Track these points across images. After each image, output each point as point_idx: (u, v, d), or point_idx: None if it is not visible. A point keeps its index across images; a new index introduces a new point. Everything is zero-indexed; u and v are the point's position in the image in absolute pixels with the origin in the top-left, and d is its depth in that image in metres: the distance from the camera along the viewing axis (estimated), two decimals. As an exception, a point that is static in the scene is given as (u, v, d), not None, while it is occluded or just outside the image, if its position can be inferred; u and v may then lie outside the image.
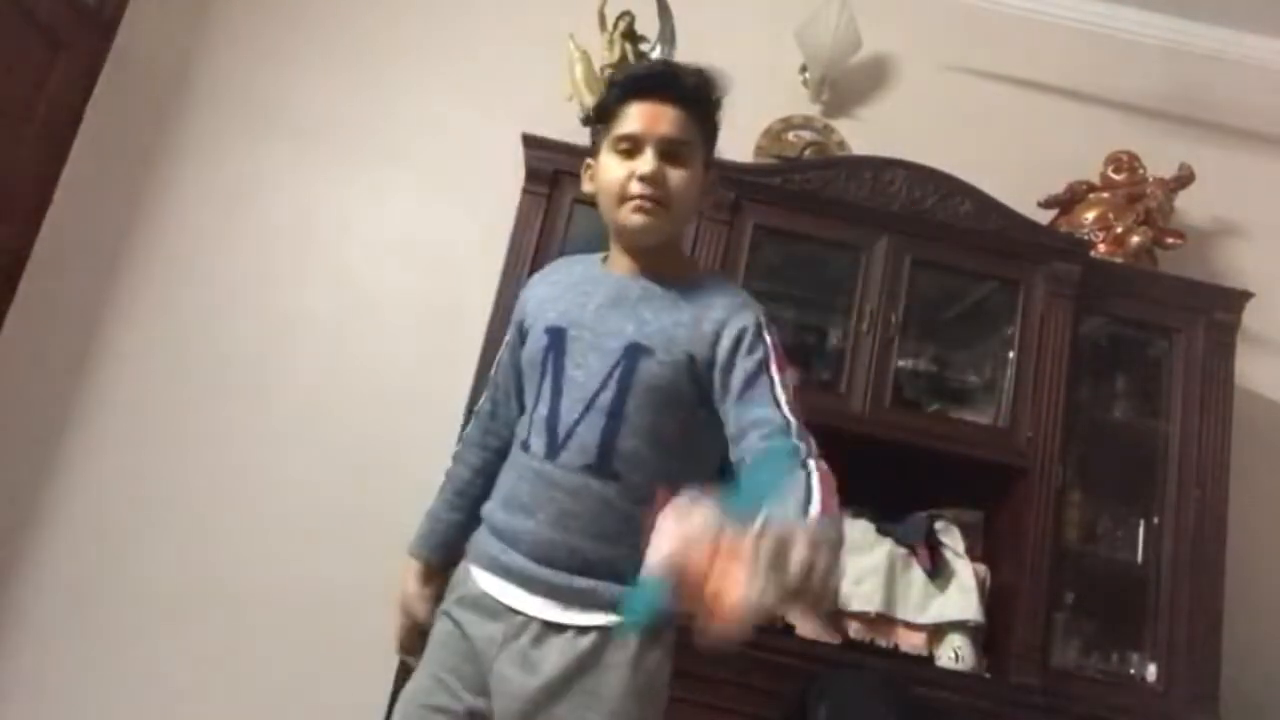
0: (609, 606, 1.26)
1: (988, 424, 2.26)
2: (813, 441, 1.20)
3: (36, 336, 2.54)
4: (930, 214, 2.28)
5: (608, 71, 2.56)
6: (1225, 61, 2.84)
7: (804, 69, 2.73)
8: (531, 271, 1.88)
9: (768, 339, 1.31)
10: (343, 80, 2.73)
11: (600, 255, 1.47)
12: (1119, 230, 2.48)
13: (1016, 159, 2.66)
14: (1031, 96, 2.80)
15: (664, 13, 2.60)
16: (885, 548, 2.13)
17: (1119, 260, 2.44)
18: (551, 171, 2.27)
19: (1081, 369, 2.29)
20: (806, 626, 2.08)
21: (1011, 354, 2.27)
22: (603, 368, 1.32)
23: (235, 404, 2.52)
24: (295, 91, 2.72)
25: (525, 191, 2.30)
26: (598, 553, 1.27)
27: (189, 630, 2.40)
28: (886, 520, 2.19)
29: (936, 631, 2.10)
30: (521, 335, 1.47)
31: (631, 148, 1.35)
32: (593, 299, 1.39)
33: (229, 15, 2.78)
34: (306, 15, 2.78)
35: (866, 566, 2.12)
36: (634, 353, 1.32)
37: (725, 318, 1.33)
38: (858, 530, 2.16)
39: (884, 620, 2.10)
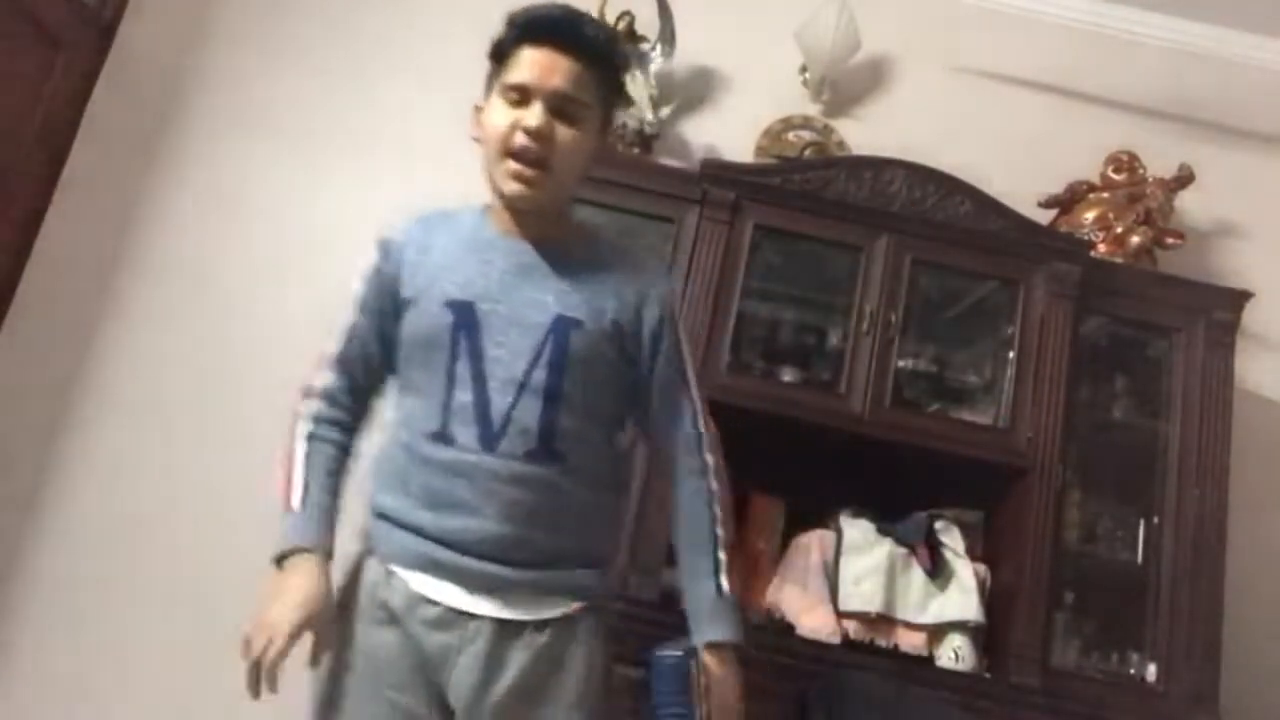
0: (566, 595, 1.23)
1: (988, 424, 2.26)
2: (716, 441, 1.35)
3: (36, 336, 2.54)
4: (930, 214, 2.28)
5: (607, 71, 2.57)
6: (1225, 61, 2.84)
7: (804, 69, 2.73)
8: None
9: (679, 321, 1.37)
10: (343, 80, 2.73)
11: (480, 206, 1.36)
12: (1119, 230, 2.48)
13: (1016, 159, 2.66)
14: (1031, 96, 2.80)
15: (664, 13, 2.60)
16: (885, 548, 2.13)
17: (1119, 260, 2.43)
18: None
19: (1081, 369, 2.29)
20: (807, 626, 2.08)
21: (1011, 354, 2.26)
22: (528, 345, 1.24)
23: (235, 404, 2.51)
24: (294, 92, 2.72)
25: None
26: (550, 540, 1.23)
27: (189, 630, 2.40)
28: (886, 520, 2.18)
29: (936, 631, 2.10)
30: (397, 304, 1.30)
31: (520, 98, 1.24)
32: (494, 266, 1.28)
33: (229, 16, 2.77)
34: (307, 16, 2.78)
35: (866, 566, 2.12)
36: (562, 326, 1.25)
37: (647, 285, 1.34)
38: (858, 530, 2.17)
39: (884, 620, 2.10)
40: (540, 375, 1.23)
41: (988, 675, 2.10)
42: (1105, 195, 2.56)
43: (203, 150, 2.68)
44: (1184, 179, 2.55)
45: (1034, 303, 2.27)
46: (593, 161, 1.33)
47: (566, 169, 1.27)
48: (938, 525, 2.21)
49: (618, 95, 1.34)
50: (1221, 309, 2.31)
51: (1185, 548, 2.18)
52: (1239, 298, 2.33)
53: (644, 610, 1.87)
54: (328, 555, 1.26)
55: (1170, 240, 2.52)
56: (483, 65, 1.36)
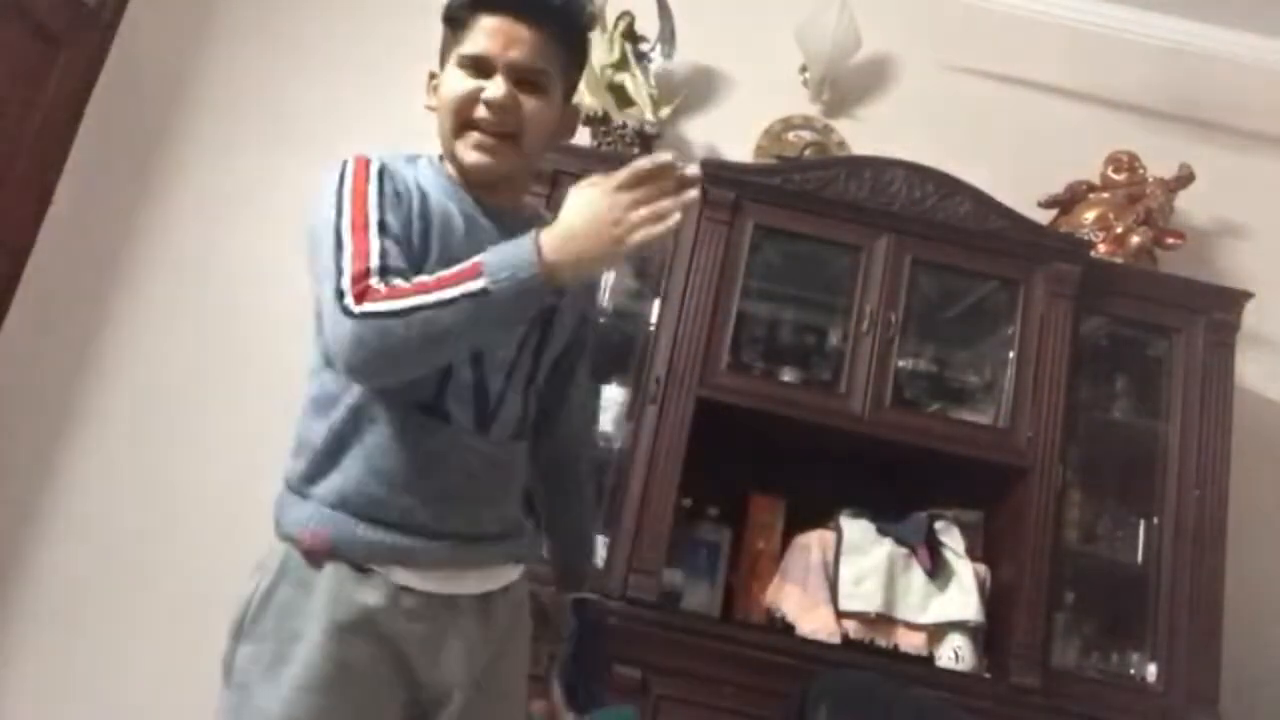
0: (515, 560, 1.26)
1: (988, 424, 2.26)
2: None
3: (36, 336, 2.53)
4: (930, 214, 2.28)
5: (608, 72, 2.57)
6: (1225, 61, 2.84)
7: (804, 69, 2.73)
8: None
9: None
10: (343, 80, 2.73)
11: (442, 169, 1.24)
12: (1119, 230, 2.48)
13: (1017, 159, 2.66)
14: (1031, 96, 2.80)
15: (664, 13, 2.60)
16: (885, 548, 2.13)
17: (1119, 260, 2.44)
18: (552, 172, 2.27)
19: (1081, 369, 2.29)
20: (807, 626, 2.08)
21: (1011, 354, 2.26)
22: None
23: (235, 403, 2.51)
24: (295, 91, 2.72)
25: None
26: (511, 511, 1.26)
27: (189, 630, 2.40)
28: (886, 520, 2.18)
29: (936, 631, 2.10)
30: (425, 238, 1.14)
31: (479, 70, 1.17)
32: (480, 243, 1.09)
33: (229, 15, 2.77)
34: (307, 15, 2.78)
35: (866, 566, 2.12)
36: (547, 316, 1.22)
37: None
38: (858, 530, 2.17)
39: (884, 620, 2.10)
40: (526, 362, 1.23)
41: (988, 675, 2.10)
42: (1105, 195, 2.56)
43: (203, 150, 2.68)
44: (1184, 179, 2.55)
45: (1034, 303, 2.27)
46: (559, 130, 1.27)
47: (533, 139, 1.20)
48: (938, 525, 2.21)
49: (583, 57, 1.28)
50: (1221, 309, 2.31)
51: (1185, 548, 2.18)
52: (1239, 298, 2.33)
53: (644, 610, 1.87)
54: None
55: (1170, 240, 2.52)
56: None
